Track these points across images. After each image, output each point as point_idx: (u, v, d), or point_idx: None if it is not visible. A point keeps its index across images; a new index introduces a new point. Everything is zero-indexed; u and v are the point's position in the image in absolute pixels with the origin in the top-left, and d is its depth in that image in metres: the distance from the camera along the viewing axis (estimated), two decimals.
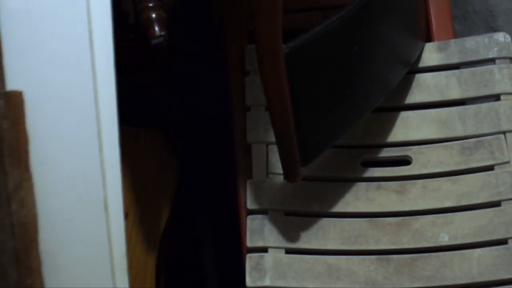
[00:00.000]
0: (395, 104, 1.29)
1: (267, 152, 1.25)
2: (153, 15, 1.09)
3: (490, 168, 1.23)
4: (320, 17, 1.38)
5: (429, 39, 1.35)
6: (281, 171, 1.14)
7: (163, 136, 1.44)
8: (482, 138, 1.25)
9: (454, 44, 1.32)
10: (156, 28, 1.09)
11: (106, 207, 0.89)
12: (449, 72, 1.30)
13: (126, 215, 1.30)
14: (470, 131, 1.26)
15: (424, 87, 1.30)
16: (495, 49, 1.28)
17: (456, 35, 1.48)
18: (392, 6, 1.20)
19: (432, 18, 1.36)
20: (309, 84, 1.07)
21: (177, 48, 1.45)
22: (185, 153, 1.45)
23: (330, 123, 1.13)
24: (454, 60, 1.31)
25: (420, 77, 1.31)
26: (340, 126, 1.15)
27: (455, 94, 1.29)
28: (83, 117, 0.87)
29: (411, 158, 1.25)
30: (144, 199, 1.36)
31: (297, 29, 1.36)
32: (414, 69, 1.31)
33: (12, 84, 0.85)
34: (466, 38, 1.32)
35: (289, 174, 1.12)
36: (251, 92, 1.29)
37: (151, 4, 1.10)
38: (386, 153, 1.27)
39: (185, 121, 1.47)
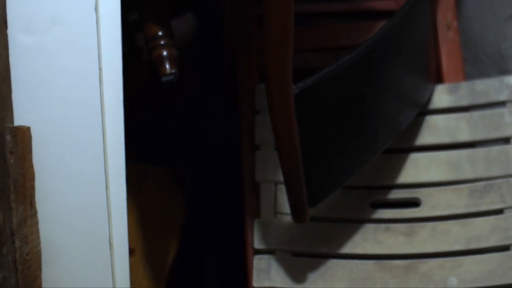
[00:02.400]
0: (404, 145, 1.29)
1: (275, 192, 1.25)
2: (164, 53, 1.10)
3: (499, 211, 1.22)
4: (331, 57, 1.38)
5: (439, 80, 1.35)
6: (289, 211, 1.13)
7: (172, 172, 1.44)
8: (492, 181, 1.24)
9: (464, 86, 1.31)
10: (167, 66, 1.09)
11: (111, 245, 0.89)
12: (459, 115, 1.30)
13: (134, 251, 1.29)
14: (480, 174, 1.26)
15: (434, 129, 1.29)
16: (506, 92, 1.28)
17: (467, 77, 1.48)
18: (403, 48, 1.20)
19: (443, 60, 1.36)
20: (318, 125, 1.07)
21: (187, 85, 1.45)
22: (193, 190, 1.45)
23: (339, 165, 1.13)
24: (465, 102, 1.30)
25: (430, 119, 1.30)
26: (349, 168, 1.15)
27: (465, 137, 1.28)
28: (91, 154, 0.87)
29: (420, 200, 1.25)
30: (152, 235, 1.36)
31: (308, 68, 1.37)
32: (424, 110, 1.30)
33: (20, 119, 0.85)
34: (477, 81, 1.31)
35: (297, 214, 1.11)
36: (260, 131, 1.28)
37: (162, 42, 1.10)
38: (395, 194, 1.26)
39: (193, 158, 1.46)
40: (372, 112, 1.16)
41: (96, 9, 0.87)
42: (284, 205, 1.23)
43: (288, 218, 1.21)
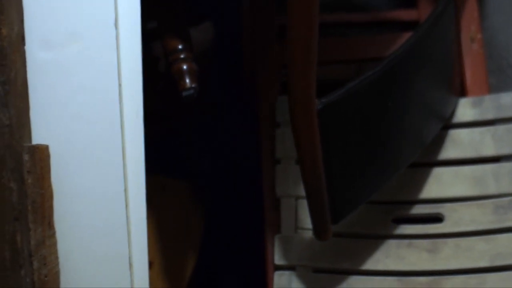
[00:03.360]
0: (428, 160, 1.27)
1: (296, 207, 1.23)
2: (184, 67, 1.08)
3: None
4: (354, 70, 1.36)
5: (463, 93, 1.33)
6: (310, 226, 1.11)
7: (191, 185, 1.42)
8: None
9: (489, 99, 1.29)
10: (187, 80, 1.07)
11: (131, 265, 0.87)
12: (484, 129, 1.27)
13: (151, 264, 1.28)
14: (504, 189, 1.23)
15: (458, 143, 1.27)
16: None
17: (491, 88, 1.46)
18: (427, 61, 1.18)
19: (467, 73, 1.33)
20: (342, 140, 1.05)
21: (207, 97, 1.44)
22: (212, 204, 1.43)
23: (362, 181, 1.11)
24: (489, 116, 1.28)
25: (454, 133, 1.28)
26: (373, 184, 1.13)
27: (489, 151, 1.26)
28: (110, 173, 0.85)
29: (444, 216, 1.22)
30: (170, 248, 1.34)
31: (331, 81, 1.35)
32: (448, 124, 1.28)
33: (38, 137, 0.84)
34: (502, 94, 1.29)
35: (319, 231, 1.09)
36: (281, 144, 1.26)
37: (182, 56, 1.09)
38: (417, 210, 1.24)
39: (212, 171, 1.44)
40: (396, 127, 1.14)
41: (116, 25, 0.86)
42: (305, 220, 1.20)
43: (309, 234, 1.19)
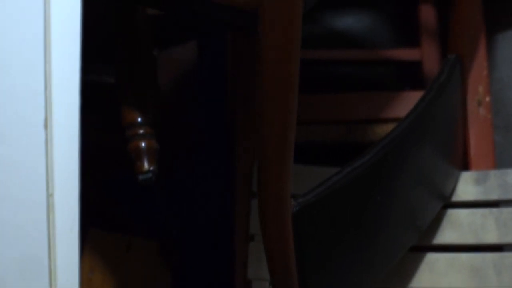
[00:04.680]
0: (421, 243, 1.12)
1: None
2: (143, 145, 0.93)
3: None
4: (343, 131, 1.20)
5: (466, 166, 1.18)
6: None
7: (158, 245, 1.29)
8: None
9: (494, 176, 1.14)
10: (145, 162, 0.93)
11: None
12: (487, 211, 1.13)
13: None
14: (506, 283, 1.09)
15: (457, 225, 1.13)
16: None
17: (496, 147, 1.31)
18: (427, 140, 1.04)
19: (471, 142, 1.19)
20: (321, 245, 0.90)
21: (180, 147, 1.29)
22: (180, 265, 1.29)
23: (346, 285, 0.96)
24: (493, 196, 1.13)
25: (453, 214, 1.14)
26: (359, 286, 0.98)
27: (491, 238, 1.11)
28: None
29: None
30: None
31: (316, 143, 1.20)
32: (447, 202, 1.13)
33: None
34: (509, 170, 1.14)
35: None
36: (256, 218, 1.11)
37: (141, 131, 0.94)
38: None
39: (183, 231, 1.30)
40: (387, 221, 0.99)
41: (45, 126, 0.71)
42: None
43: None
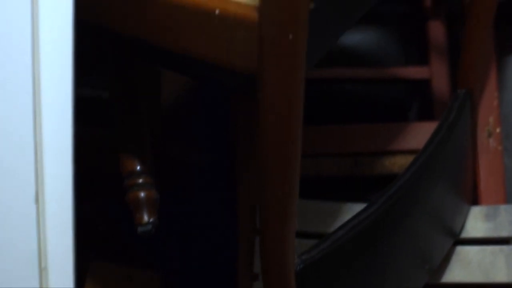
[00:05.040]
0: (428, 281, 1.09)
1: None
2: (142, 195, 0.91)
3: None
4: (351, 164, 1.17)
5: (475, 200, 1.15)
6: None
7: (159, 277, 1.26)
8: None
9: (504, 212, 1.11)
10: (144, 214, 0.90)
11: None
12: (497, 248, 1.10)
13: None
14: None
15: (465, 263, 1.10)
16: None
17: (506, 171, 1.28)
18: (436, 180, 1.01)
19: (481, 175, 1.16)
20: None
21: (184, 179, 1.26)
22: None
23: None
24: (504, 233, 1.11)
25: (462, 251, 1.11)
26: None
27: (501, 277, 1.09)
28: None
29: None
30: None
31: (323, 176, 1.17)
32: (456, 239, 1.10)
33: None
34: None
35: None
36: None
37: (140, 181, 0.91)
38: None
39: (184, 264, 1.28)
40: (395, 269, 0.96)
41: (36, 200, 0.68)
42: None
43: None
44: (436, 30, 1.40)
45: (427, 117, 1.38)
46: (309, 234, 1.11)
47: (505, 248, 1.10)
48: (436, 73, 1.38)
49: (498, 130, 1.17)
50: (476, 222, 1.12)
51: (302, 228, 1.13)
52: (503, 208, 1.12)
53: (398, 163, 1.17)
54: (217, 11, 0.69)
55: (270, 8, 0.63)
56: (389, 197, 0.91)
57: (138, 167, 0.91)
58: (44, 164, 0.70)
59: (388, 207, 0.91)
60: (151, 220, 0.90)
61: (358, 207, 1.13)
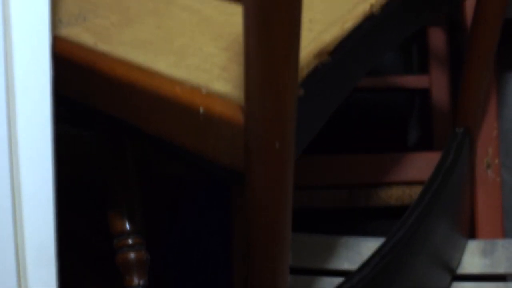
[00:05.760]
0: None
1: None
2: (132, 256, 0.89)
3: None
4: (346, 195, 1.16)
5: (472, 233, 1.13)
6: None
7: None
8: None
9: (502, 247, 1.10)
10: (134, 277, 0.89)
11: None
12: (493, 285, 1.09)
13: None
14: None
15: None
16: None
17: (505, 187, 1.27)
18: (434, 224, 0.99)
19: (479, 208, 1.14)
20: None
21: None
22: None
23: None
24: (500, 269, 1.10)
25: (458, 287, 1.09)
26: None
27: None
28: None
29: None
30: None
31: (318, 208, 1.16)
32: (452, 275, 1.09)
33: None
34: None
35: None
36: None
37: (130, 241, 0.90)
38: None
39: None
40: None
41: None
42: None
43: None
44: (437, 39, 1.37)
45: (427, 128, 1.36)
46: (304, 270, 1.10)
47: (501, 285, 1.09)
48: (436, 82, 1.36)
49: (496, 161, 1.15)
50: (473, 258, 1.11)
51: (296, 264, 1.11)
52: (501, 243, 1.11)
53: (395, 195, 1.15)
54: (201, 109, 0.67)
55: (254, 114, 0.61)
56: (382, 258, 0.90)
57: (128, 227, 0.90)
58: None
59: (395, 252, 0.90)
60: (141, 282, 0.89)
61: (353, 241, 1.12)
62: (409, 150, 1.47)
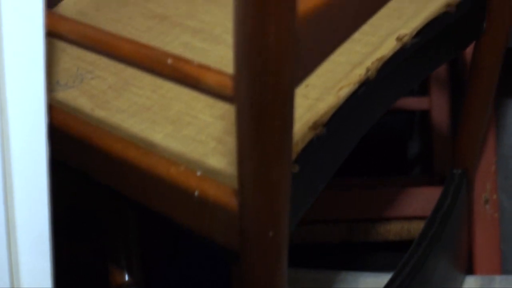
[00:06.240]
0: None
1: None
2: None
3: None
4: (345, 230, 1.17)
5: (470, 269, 1.14)
6: None
7: None
8: None
9: (499, 283, 1.11)
10: None
11: None
12: None
13: None
14: None
15: None
16: None
17: (505, 212, 1.28)
18: (433, 266, 1.00)
19: (476, 243, 1.15)
20: None
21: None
22: None
23: None
24: None
25: None
26: None
27: None
28: None
29: None
30: None
31: (317, 243, 1.17)
32: None
33: None
34: None
35: None
36: None
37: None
38: None
39: None
40: None
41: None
42: None
43: None
44: None
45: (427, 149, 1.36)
46: None
47: None
48: (436, 104, 1.36)
49: (495, 196, 1.16)
50: None
51: None
52: (498, 279, 1.12)
53: (394, 230, 1.16)
54: (196, 193, 0.67)
55: (247, 204, 0.62)
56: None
57: (127, 279, 0.91)
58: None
59: None
60: None
61: (352, 276, 1.13)
62: (409, 167, 1.48)
